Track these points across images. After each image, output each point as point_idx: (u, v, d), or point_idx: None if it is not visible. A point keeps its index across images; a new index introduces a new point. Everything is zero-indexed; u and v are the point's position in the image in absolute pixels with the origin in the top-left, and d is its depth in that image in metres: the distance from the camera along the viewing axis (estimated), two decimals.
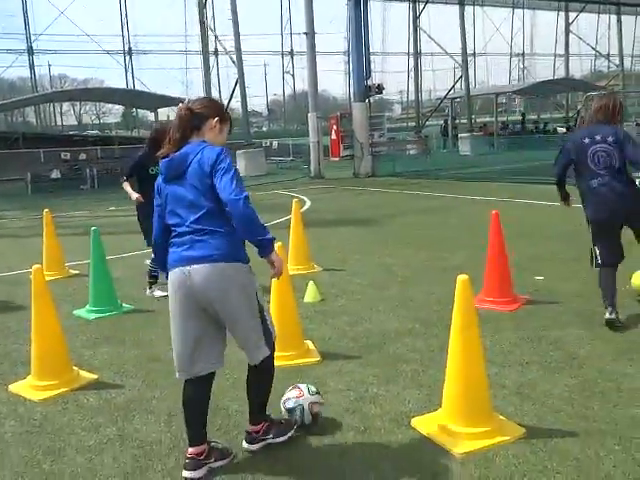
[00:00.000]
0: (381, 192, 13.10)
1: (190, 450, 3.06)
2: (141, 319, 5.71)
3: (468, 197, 13.65)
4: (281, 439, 3.28)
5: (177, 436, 3.43)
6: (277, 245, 4.41)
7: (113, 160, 24.81)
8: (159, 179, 3.15)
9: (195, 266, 2.91)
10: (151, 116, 33.01)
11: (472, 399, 3.20)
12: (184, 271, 2.93)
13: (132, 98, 28.46)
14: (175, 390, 4.01)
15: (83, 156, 23.70)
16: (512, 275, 5.64)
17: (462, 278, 3.15)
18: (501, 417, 3.35)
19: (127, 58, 39.00)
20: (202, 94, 30.63)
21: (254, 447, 3.25)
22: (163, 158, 3.09)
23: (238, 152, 24.05)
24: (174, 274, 2.98)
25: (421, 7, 31.79)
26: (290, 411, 3.43)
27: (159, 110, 27.92)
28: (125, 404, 3.90)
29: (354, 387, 3.95)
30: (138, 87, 36.60)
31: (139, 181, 6.39)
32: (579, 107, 36.41)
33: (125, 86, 36.40)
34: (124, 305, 6.09)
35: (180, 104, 3.15)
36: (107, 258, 6.22)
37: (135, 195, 6.36)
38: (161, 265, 3.18)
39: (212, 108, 3.12)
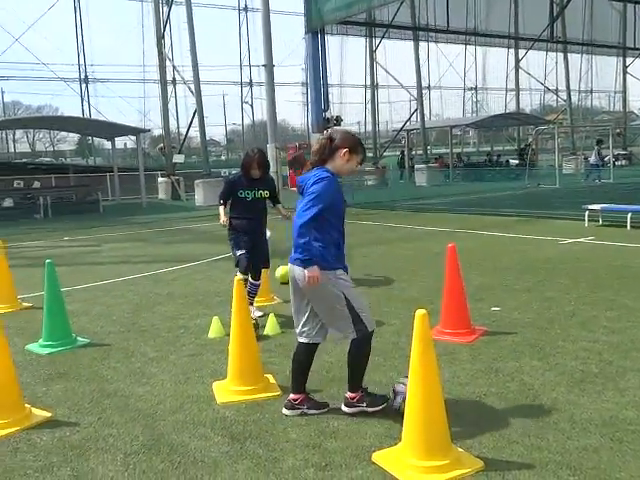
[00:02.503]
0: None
1: (290, 395, 4.03)
2: (97, 354, 5.59)
3: (425, 228, 13.89)
4: (374, 409, 3.94)
5: (135, 476, 3.36)
6: (235, 279, 4.44)
7: (67, 189, 24.45)
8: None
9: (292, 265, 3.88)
10: (108, 144, 32.70)
11: (431, 432, 3.23)
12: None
13: (87, 127, 28.15)
14: (131, 427, 3.97)
15: (37, 184, 23.27)
16: (470, 306, 5.76)
17: (420, 312, 3.20)
18: (460, 450, 3.39)
19: (83, 86, 38.72)
20: (160, 123, 30.53)
21: (350, 410, 3.97)
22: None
23: (196, 182, 23.95)
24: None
25: (377, 42, 32.52)
26: (396, 393, 3.94)
27: (116, 139, 27.67)
28: (80, 443, 3.80)
29: (315, 421, 3.94)
30: (94, 115, 36.33)
31: (232, 204, 6.51)
32: (530, 140, 37.61)
33: (81, 114, 36.08)
34: (79, 339, 5.96)
35: (325, 132, 3.86)
36: (62, 290, 6.10)
37: (222, 218, 6.56)
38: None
39: (346, 140, 3.86)
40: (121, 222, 18.29)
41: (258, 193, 6.43)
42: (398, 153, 37.69)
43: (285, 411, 4.07)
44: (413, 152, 36.50)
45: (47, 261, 5.86)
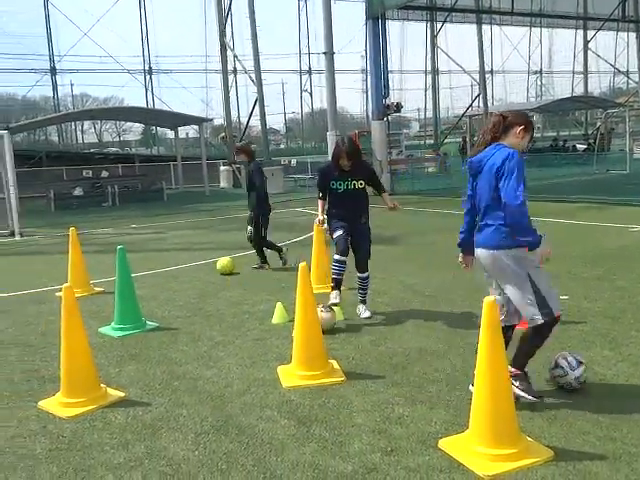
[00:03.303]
0: (401, 210, 13.13)
1: (509, 368, 3.65)
2: (166, 337, 5.77)
3: None
4: (523, 395, 3.76)
5: (205, 455, 3.46)
6: (300, 266, 4.49)
7: (133, 177, 25.17)
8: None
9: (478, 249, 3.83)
10: (171, 134, 33.46)
11: (500, 420, 3.19)
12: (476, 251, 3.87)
13: (152, 117, 28.84)
14: (200, 408, 4.08)
15: (105, 173, 24.03)
16: None
17: (489, 300, 3.16)
18: (529, 439, 3.34)
19: (147, 77, 39.66)
20: (222, 112, 30.99)
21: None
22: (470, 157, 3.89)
23: None
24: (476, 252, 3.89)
25: (439, 26, 31.95)
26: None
27: (179, 128, 28.25)
28: (152, 422, 3.94)
29: (380, 407, 3.96)
30: (158, 105, 37.17)
31: (328, 196, 6.10)
32: (598, 124, 36.24)
33: (145, 104, 36.98)
34: (148, 323, 6.16)
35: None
36: (133, 275, 6.30)
37: (318, 217, 6.16)
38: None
39: (520, 117, 3.84)
40: (185, 210, 18.70)
41: (351, 184, 5.96)
42: (459, 140, 36.99)
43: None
44: (475, 138, 35.79)
45: (119, 247, 6.06)
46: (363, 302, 6.07)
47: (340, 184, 5.98)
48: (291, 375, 4.51)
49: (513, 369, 3.79)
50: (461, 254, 4.30)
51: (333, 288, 6.12)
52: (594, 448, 3.29)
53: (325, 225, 6.17)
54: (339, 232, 5.97)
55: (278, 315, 6.05)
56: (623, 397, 3.90)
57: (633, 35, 36.49)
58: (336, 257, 5.97)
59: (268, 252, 8.96)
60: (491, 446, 3.18)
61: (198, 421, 3.90)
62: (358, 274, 6.06)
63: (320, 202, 6.16)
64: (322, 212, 6.13)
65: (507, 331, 3.80)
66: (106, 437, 3.76)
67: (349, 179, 5.96)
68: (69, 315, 4.21)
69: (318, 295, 6.48)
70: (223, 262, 8.53)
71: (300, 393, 4.26)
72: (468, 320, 5.64)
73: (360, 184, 6.01)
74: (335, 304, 5.99)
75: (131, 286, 6.10)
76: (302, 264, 4.52)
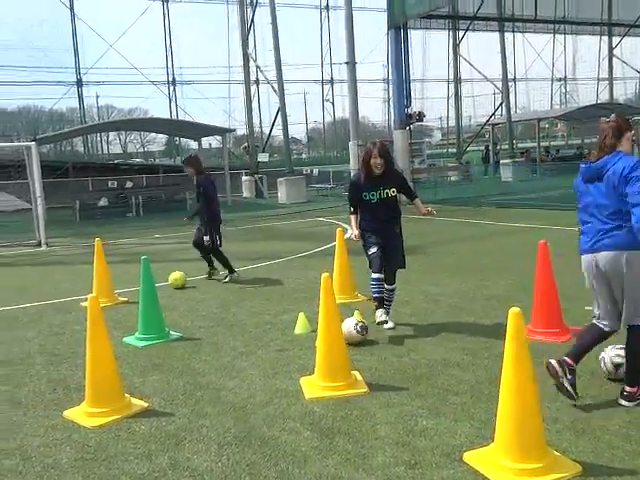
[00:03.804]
0: (424, 219, 13.06)
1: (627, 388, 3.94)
2: (189, 347, 5.79)
3: (511, 224, 13.51)
4: None
5: (228, 466, 3.46)
6: (323, 276, 4.48)
7: (157, 188, 25.41)
8: (578, 179, 4.07)
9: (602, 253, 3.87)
10: (194, 144, 33.77)
11: (526, 434, 3.14)
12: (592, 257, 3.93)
13: (175, 127, 29.12)
14: (223, 419, 4.08)
15: (129, 184, 24.30)
16: (561, 305, 5.55)
17: (514, 310, 3.12)
18: (556, 453, 3.28)
19: (171, 88, 40.10)
20: (244, 122, 31.20)
21: (630, 404, 3.90)
22: (585, 164, 4.00)
23: (279, 180, 24.33)
24: (585, 258, 4.00)
25: (461, 35, 31.86)
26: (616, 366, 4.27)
27: (202, 139, 28.50)
28: (176, 432, 3.95)
29: (403, 419, 3.92)
30: (181, 116, 37.52)
31: (360, 208, 5.96)
32: None
33: (169, 115, 37.36)
34: (172, 333, 6.19)
35: (609, 117, 4.00)
36: (156, 285, 6.35)
37: (354, 232, 5.97)
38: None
39: (627, 122, 3.98)
40: None
41: (384, 193, 5.80)
42: (482, 148, 36.76)
43: (623, 402, 3.94)
44: (498, 147, 35.53)
45: (143, 257, 6.11)
46: (387, 313, 6.03)
47: (373, 194, 5.83)
48: (314, 386, 4.49)
49: (631, 388, 3.94)
50: None
51: (377, 307, 5.93)
52: (623, 463, 3.22)
53: (359, 239, 5.99)
54: (373, 250, 5.84)
55: (300, 325, 6.04)
56: None
57: None
58: (374, 276, 5.86)
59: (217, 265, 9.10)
60: (517, 460, 3.13)
61: (221, 432, 3.90)
62: (386, 285, 5.96)
63: (353, 217, 6.01)
64: (356, 226, 5.97)
65: (607, 337, 4.08)
66: (130, 447, 3.78)
67: (381, 188, 5.81)
68: (94, 325, 4.25)
69: (341, 306, 6.47)
70: (175, 276, 8.57)
71: (323, 404, 4.24)
72: (492, 331, 5.57)
73: (392, 192, 5.85)
74: (383, 322, 5.84)
75: (155, 296, 6.14)
76: (325, 274, 4.51)
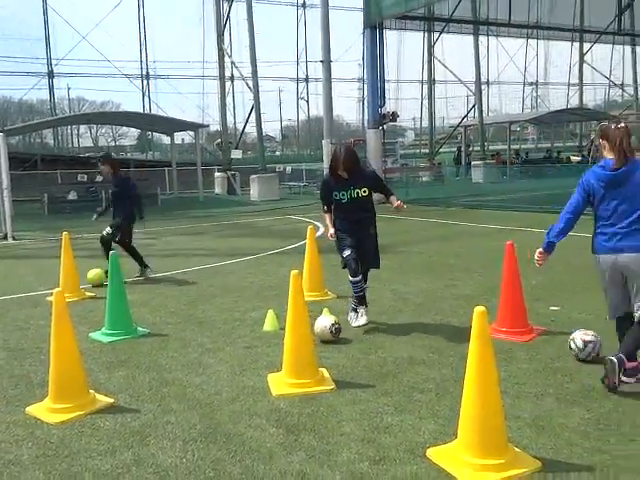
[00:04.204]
0: (395, 219, 13.20)
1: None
2: (156, 343, 5.75)
3: (481, 225, 13.68)
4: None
5: (193, 462, 3.45)
6: (292, 273, 4.49)
7: None
8: (595, 182, 4.21)
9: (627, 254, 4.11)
10: (166, 139, 33.47)
11: (487, 430, 3.19)
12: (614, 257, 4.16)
13: (148, 122, 28.83)
14: (189, 415, 4.07)
15: (99, 178, 23.96)
16: (527, 305, 5.65)
17: (479, 310, 3.17)
18: (516, 449, 3.34)
19: (144, 82, 39.66)
20: (218, 118, 31.02)
21: (631, 380, 4.16)
22: (613, 170, 4.13)
23: (252, 177, 24.24)
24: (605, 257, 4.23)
25: (436, 36, 32.11)
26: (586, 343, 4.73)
27: (175, 134, 28.25)
28: (141, 429, 3.93)
29: (369, 416, 3.96)
30: (154, 111, 37.14)
31: (333, 207, 5.98)
32: (592, 136, 36.43)
33: (142, 110, 36.93)
34: (139, 328, 6.14)
35: (613, 122, 4.19)
36: (125, 281, 6.29)
37: (329, 231, 6.01)
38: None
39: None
40: (179, 216, 18.69)
41: (354, 192, 5.78)
42: (454, 149, 37.13)
43: (625, 379, 4.14)
44: (470, 148, 35.92)
45: (111, 253, 6.05)
46: (355, 310, 6.06)
47: (343, 194, 5.81)
48: (281, 383, 4.50)
49: (633, 363, 4.19)
50: (545, 253, 4.44)
51: (359, 304, 5.93)
52: (582, 460, 3.29)
53: (335, 238, 5.99)
54: (347, 252, 5.80)
55: (269, 323, 6.05)
56: (611, 409, 3.91)
57: (629, 48, 36.79)
58: (352, 279, 5.83)
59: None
60: (478, 456, 3.18)
61: (186, 428, 3.89)
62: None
63: (326, 215, 6.04)
64: (331, 225, 5.99)
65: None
66: (94, 443, 3.75)
67: (351, 188, 5.78)
68: (59, 319, 4.19)
69: (311, 303, 6.48)
70: (95, 272, 8.43)
71: (289, 401, 4.25)
72: (458, 330, 5.64)
73: (364, 192, 5.81)
74: (364, 324, 5.82)
75: (122, 291, 6.08)
76: (294, 272, 4.52)
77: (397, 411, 4.01)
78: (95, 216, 9.17)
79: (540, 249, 4.43)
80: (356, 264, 5.78)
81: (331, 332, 5.47)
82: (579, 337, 4.78)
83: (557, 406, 3.99)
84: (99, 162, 9.26)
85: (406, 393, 4.30)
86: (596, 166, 4.30)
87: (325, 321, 5.53)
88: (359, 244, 5.85)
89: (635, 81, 37.31)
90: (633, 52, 36.58)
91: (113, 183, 8.89)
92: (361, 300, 5.94)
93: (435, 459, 3.34)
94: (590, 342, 4.74)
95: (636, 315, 4.18)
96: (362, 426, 3.81)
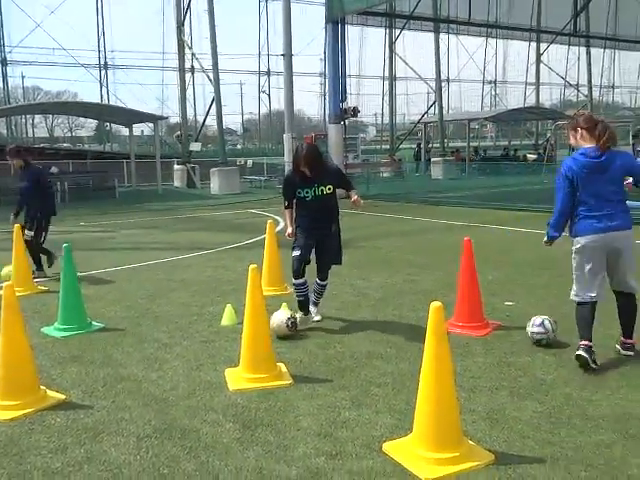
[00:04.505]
0: (355, 214, 13.22)
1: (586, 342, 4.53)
2: (111, 338, 5.64)
3: (440, 221, 13.84)
4: None
5: (147, 459, 3.39)
6: (250, 268, 4.45)
7: (85, 174, 24.58)
8: (578, 169, 4.51)
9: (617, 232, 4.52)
10: (125, 131, 32.88)
11: (442, 424, 3.23)
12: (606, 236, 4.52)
13: (106, 113, 28.24)
14: (144, 411, 4.00)
15: (55, 169, 23.37)
16: (483, 300, 5.73)
17: (435, 305, 3.19)
18: (471, 442, 3.39)
19: (103, 72, 38.88)
20: (178, 111, 30.61)
21: (631, 353, 4.72)
22: (596, 157, 4.49)
23: (212, 170, 24.00)
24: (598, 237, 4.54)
25: (397, 33, 32.29)
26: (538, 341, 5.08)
27: (134, 126, 27.77)
28: (93, 425, 3.84)
29: (326, 411, 3.96)
30: (113, 102, 36.46)
31: (296, 203, 5.79)
32: (549, 135, 37.23)
33: (100, 100, 36.21)
34: (94, 323, 6.01)
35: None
36: (79, 274, 6.15)
37: (288, 230, 5.84)
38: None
39: None
40: (137, 209, 18.38)
41: (319, 190, 5.61)
42: (414, 146, 37.48)
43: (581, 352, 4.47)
44: (430, 145, 36.29)
45: (64, 245, 5.91)
46: (315, 304, 6.04)
47: (307, 192, 5.63)
48: (238, 378, 4.47)
49: (631, 340, 4.74)
50: (551, 241, 4.93)
51: (301, 309, 5.84)
52: (533, 452, 3.36)
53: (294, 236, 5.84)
54: (296, 252, 5.66)
55: (227, 317, 6.00)
56: (562, 402, 3.99)
57: (584, 50, 37.65)
58: (294, 281, 5.74)
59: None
60: (433, 450, 3.22)
61: (141, 425, 3.82)
62: (318, 280, 5.94)
63: (287, 212, 5.86)
64: (291, 223, 5.82)
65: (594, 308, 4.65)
66: (43, 441, 3.65)
67: (315, 185, 5.60)
68: (8, 313, 4.07)
69: (270, 298, 6.46)
70: (6, 270, 7.80)
71: (246, 396, 4.22)
72: (416, 324, 5.69)
73: (329, 189, 5.65)
74: (317, 321, 5.84)
75: (76, 285, 5.94)
76: (252, 266, 4.48)
77: (354, 405, 4.02)
78: (12, 218, 8.24)
79: (545, 239, 4.95)
80: (299, 265, 5.63)
81: (287, 326, 5.45)
82: (545, 320, 5.13)
83: (511, 400, 4.06)
84: (8, 155, 8.34)
85: (363, 387, 4.32)
86: (577, 154, 4.60)
87: (281, 315, 5.51)
88: (320, 241, 5.74)
89: (589, 82, 38.22)
90: (588, 53, 37.46)
91: (24, 178, 8.23)
92: (301, 305, 5.83)
93: (391, 453, 3.36)
94: (555, 321, 5.17)
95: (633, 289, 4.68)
96: (319, 421, 3.81)
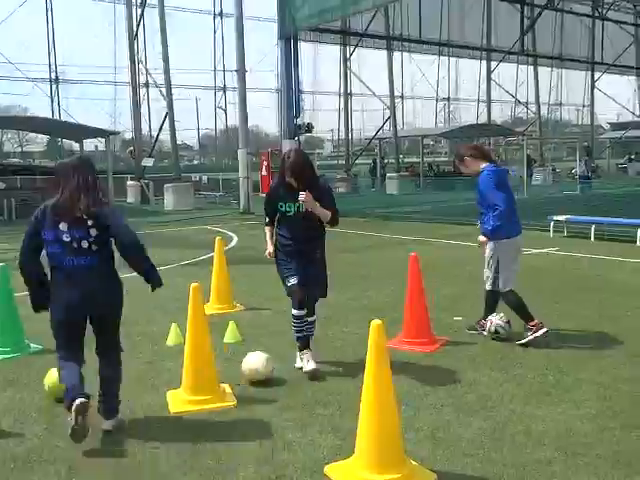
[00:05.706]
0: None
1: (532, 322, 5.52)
2: (50, 361, 5.38)
3: (395, 236, 13.91)
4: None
5: None
6: (192, 287, 4.34)
7: (34, 190, 23.94)
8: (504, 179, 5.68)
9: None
10: (77, 146, 32.17)
11: (385, 445, 3.17)
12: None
13: (56, 128, 27.67)
14: None
15: (1, 185, 22.75)
16: (432, 316, 5.73)
17: (375, 323, 3.16)
18: (413, 462, 3.34)
19: (53, 87, 38.07)
20: (130, 126, 30.19)
21: (539, 333, 5.46)
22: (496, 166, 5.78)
23: (166, 186, 23.69)
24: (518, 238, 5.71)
25: (351, 50, 32.64)
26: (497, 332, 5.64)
27: (86, 141, 27.25)
28: (25, 454, 3.66)
29: (269, 433, 3.86)
30: (64, 117, 35.65)
31: (277, 219, 5.05)
32: (500, 150, 38.06)
33: (50, 115, 35.38)
34: (32, 345, 5.78)
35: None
36: (16, 295, 5.92)
37: (267, 249, 5.06)
38: None
39: None
40: None
41: (302, 206, 4.85)
42: (370, 161, 37.81)
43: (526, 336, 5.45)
44: (385, 160, 36.68)
45: (0, 265, 5.68)
46: (308, 347, 5.05)
47: (290, 206, 4.85)
48: (179, 400, 4.34)
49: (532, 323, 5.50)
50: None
51: (300, 349, 5.04)
52: (475, 471, 3.33)
53: (273, 257, 5.11)
54: (293, 281, 4.86)
55: (172, 337, 5.85)
56: (506, 418, 3.99)
57: (532, 68, 38.76)
58: (294, 312, 4.93)
59: None
60: (375, 471, 3.15)
61: (74, 452, 3.66)
62: (306, 318, 5.08)
63: (267, 229, 5.12)
64: (271, 242, 5.06)
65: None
66: None
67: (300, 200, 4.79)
68: None
69: (217, 316, 6.34)
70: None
71: (187, 419, 4.10)
72: (364, 342, 5.63)
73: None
74: (312, 371, 4.85)
75: (12, 306, 5.71)
76: (194, 284, 4.38)
77: (298, 426, 3.94)
78: None
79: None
80: (303, 294, 4.87)
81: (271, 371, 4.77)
82: (501, 321, 5.71)
83: (456, 417, 4.04)
84: None
85: (308, 407, 4.25)
86: (493, 168, 5.60)
87: (256, 359, 4.76)
88: (304, 270, 4.90)
89: (537, 99, 39.32)
90: (535, 72, 38.58)
91: None
92: (302, 342, 5.02)
93: (333, 476, 3.29)
94: (508, 321, 5.71)
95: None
96: (262, 444, 3.72)
